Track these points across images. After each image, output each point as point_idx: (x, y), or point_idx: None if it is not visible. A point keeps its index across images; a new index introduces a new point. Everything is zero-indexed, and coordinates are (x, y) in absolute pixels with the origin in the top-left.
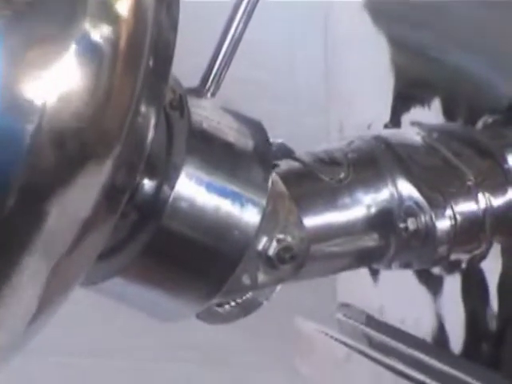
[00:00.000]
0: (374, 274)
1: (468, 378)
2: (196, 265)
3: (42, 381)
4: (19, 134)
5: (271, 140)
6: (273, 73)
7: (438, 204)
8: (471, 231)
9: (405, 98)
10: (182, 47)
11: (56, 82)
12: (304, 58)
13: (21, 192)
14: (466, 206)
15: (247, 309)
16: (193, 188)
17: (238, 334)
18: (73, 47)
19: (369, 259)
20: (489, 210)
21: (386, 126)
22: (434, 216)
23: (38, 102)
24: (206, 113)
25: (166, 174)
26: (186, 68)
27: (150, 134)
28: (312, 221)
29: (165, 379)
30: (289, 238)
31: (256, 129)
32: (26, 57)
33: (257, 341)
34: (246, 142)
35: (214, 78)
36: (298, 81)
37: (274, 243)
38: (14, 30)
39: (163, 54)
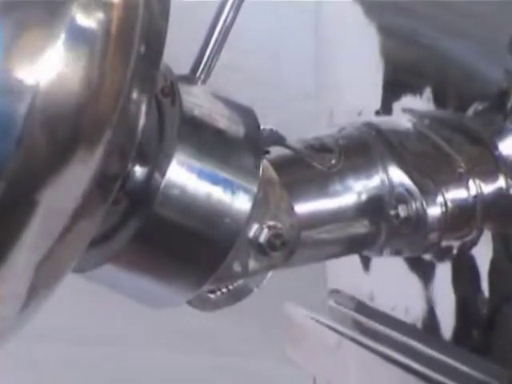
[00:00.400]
0: (365, 260)
1: (458, 364)
2: (187, 252)
3: (29, 368)
4: (11, 118)
5: (262, 127)
6: (262, 60)
7: (429, 191)
8: (462, 218)
9: (395, 85)
10: (173, 34)
11: (48, 67)
12: (293, 46)
13: (11, 182)
14: (456, 193)
15: (238, 295)
16: (184, 175)
17: (228, 321)
18: (65, 33)
19: (359, 246)
20: (479, 197)
21: (377, 113)
22: (425, 203)
23: (30, 87)
24: (197, 100)
25: (158, 161)
26: (176, 55)
27: (142, 121)
28: (303, 208)
29: (154, 366)
30: (279, 225)
31: (247, 115)
32: (19, 43)
33: (247, 327)
34: (237, 129)
35: (204, 65)
36: (287, 68)
37: (265, 230)
38: (6, 17)
39: (155, 40)
